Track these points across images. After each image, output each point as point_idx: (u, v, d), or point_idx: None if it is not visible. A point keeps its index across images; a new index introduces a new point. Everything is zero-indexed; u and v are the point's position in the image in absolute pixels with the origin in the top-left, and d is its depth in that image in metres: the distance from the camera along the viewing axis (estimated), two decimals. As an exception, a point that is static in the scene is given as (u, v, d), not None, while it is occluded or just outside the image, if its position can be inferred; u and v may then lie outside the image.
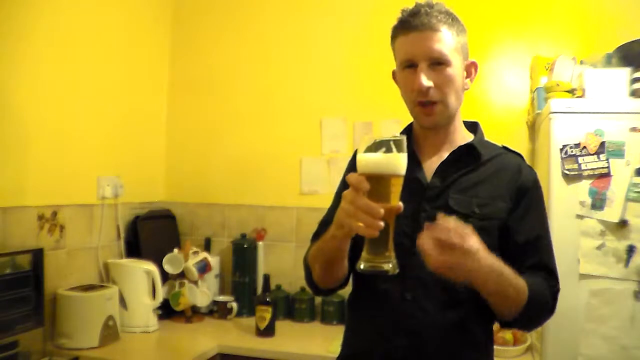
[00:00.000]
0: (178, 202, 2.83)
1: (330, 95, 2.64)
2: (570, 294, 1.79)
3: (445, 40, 1.22)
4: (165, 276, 2.38)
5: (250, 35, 2.80)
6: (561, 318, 1.80)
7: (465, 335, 1.23)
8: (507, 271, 1.10)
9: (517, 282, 1.12)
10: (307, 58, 2.68)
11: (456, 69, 1.23)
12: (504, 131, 2.45)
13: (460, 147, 1.29)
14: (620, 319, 1.75)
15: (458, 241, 1.00)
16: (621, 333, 1.74)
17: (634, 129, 1.77)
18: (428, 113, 1.25)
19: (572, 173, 1.81)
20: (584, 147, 1.80)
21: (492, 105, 2.49)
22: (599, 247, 1.77)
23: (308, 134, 2.65)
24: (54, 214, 2.11)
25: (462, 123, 1.35)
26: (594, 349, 1.76)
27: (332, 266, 1.22)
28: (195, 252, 2.49)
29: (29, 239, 1.98)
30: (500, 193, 1.24)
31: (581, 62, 2.14)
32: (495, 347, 2.06)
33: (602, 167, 1.78)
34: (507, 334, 2.12)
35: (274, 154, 2.71)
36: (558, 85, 2.02)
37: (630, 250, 1.75)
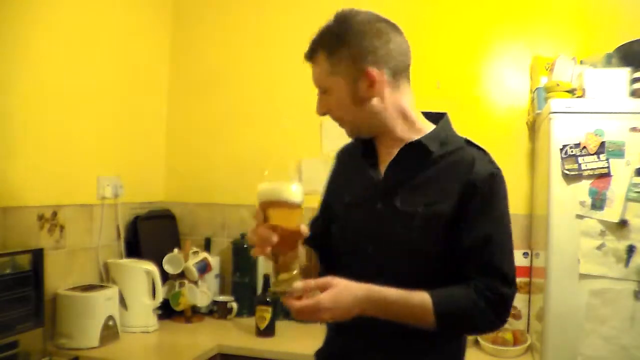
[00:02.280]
0: (178, 202, 2.83)
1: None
2: (570, 294, 1.79)
3: (321, 68, 1.24)
4: (165, 276, 2.38)
5: (250, 35, 2.80)
6: (561, 318, 1.80)
7: (423, 336, 1.19)
8: (393, 305, 1.13)
9: (420, 306, 1.13)
10: (307, 58, 2.68)
11: (337, 92, 1.22)
12: (504, 131, 2.46)
13: (407, 144, 1.24)
14: (620, 319, 1.75)
15: (311, 318, 1.09)
16: (621, 333, 1.74)
17: (634, 129, 1.77)
18: (347, 133, 1.31)
19: (572, 173, 1.81)
20: (584, 147, 1.80)
21: (492, 105, 2.49)
22: (599, 247, 1.77)
23: (308, 134, 2.65)
24: (54, 214, 2.11)
25: (418, 117, 1.29)
26: (594, 349, 1.77)
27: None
28: (195, 252, 2.49)
29: (29, 239, 1.98)
30: (448, 191, 1.20)
31: (581, 62, 2.14)
32: (495, 347, 2.07)
33: (602, 167, 1.78)
34: (507, 334, 2.12)
35: (274, 154, 2.71)
36: (558, 85, 2.03)
37: (630, 250, 1.75)
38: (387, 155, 1.28)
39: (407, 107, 1.26)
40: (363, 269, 1.22)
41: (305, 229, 1.13)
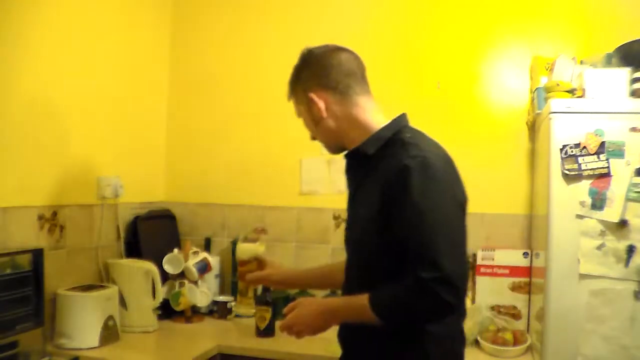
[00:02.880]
0: (178, 202, 2.83)
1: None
2: (570, 294, 1.79)
3: (293, 101, 1.51)
4: (165, 276, 2.38)
5: (250, 35, 2.80)
6: (561, 318, 1.80)
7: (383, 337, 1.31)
8: (345, 313, 1.34)
9: (358, 315, 1.28)
10: (307, 58, 2.67)
11: (304, 118, 1.49)
12: (504, 131, 2.46)
13: (349, 152, 1.44)
14: (620, 319, 1.74)
15: (290, 334, 1.40)
16: (621, 333, 1.74)
17: (634, 129, 1.77)
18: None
19: (572, 173, 1.81)
20: (584, 147, 1.80)
21: (492, 105, 2.49)
22: (599, 247, 1.77)
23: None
24: (54, 214, 2.11)
25: (377, 122, 1.41)
26: (594, 349, 1.76)
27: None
28: (195, 252, 2.49)
29: (29, 238, 1.98)
30: (377, 191, 1.29)
31: (581, 62, 2.14)
32: (495, 347, 2.07)
33: (602, 167, 1.78)
34: (507, 334, 2.12)
35: (274, 154, 2.71)
36: (558, 85, 2.02)
37: (630, 250, 1.75)
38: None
39: (360, 117, 1.41)
40: (347, 270, 1.47)
41: (250, 276, 1.75)
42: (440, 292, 1.16)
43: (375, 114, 1.42)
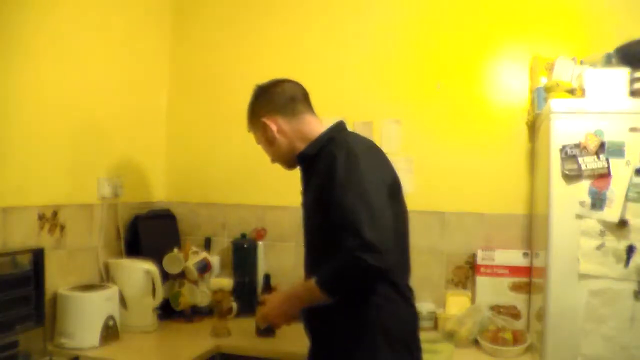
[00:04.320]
0: (178, 201, 2.84)
1: (330, 95, 2.64)
2: (570, 294, 1.79)
3: (254, 134, 1.76)
4: (165, 276, 2.38)
5: (250, 35, 2.80)
6: (561, 318, 1.80)
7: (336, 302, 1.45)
8: (301, 295, 1.52)
9: (310, 295, 1.45)
10: (306, 58, 2.67)
11: (260, 142, 1.73)
12: (504, 131, 2.46)
13: (297, 157, 1.65)
14: (620, 319, 1.74)
15: (266, 322, 1.67)
16: (621, 333, 1.74)
17: (634, 129, 1.77)
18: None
19: (572, 173, 1.81)
20: (584, 147, 1.80)
21: (492, 105, 2.49)
22: (598, 247, 1.77)
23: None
24: (54, 213, 2.11)
25: (310, 140, 1.63)
26: (594, 349, 1.76)
27: None
28: (196, 252, 2.49)
29: (30, 238, 1.99)
30: (317, 182, 1.54)
31: (581, 62, 2.14)
32: (495, 347, 2.07)
33: (602, 167, 1.78)
34: (507, 334, 2.12)
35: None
36: (558, 85, 2.02)
37: (630, 250, 1.75)
38: None
39: (306, 130, 1.65)
40: (305, 259, 1.66)
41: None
42: (365, 257, 1.32)
43: (318, 126, 1.66)
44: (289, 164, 1.71)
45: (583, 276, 1.78)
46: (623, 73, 1.90)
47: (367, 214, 1.35)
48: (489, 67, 2.50)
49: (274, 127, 1.66)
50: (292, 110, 1.66)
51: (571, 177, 1.81)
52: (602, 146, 1.78)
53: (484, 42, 2.49)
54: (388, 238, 1.36)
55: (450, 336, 2.20)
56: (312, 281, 1.43)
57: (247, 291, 2.55)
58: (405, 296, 1.57)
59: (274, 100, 1.68)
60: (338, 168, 1.43)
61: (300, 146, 1.65)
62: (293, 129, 1.66)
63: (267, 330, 2.20)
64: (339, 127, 1.66)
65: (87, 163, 2.30)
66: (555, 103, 1.86)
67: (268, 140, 1.68)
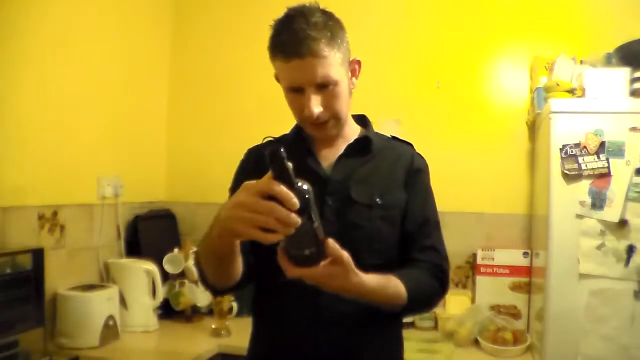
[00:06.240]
0: (178, 201, 2.84)
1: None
2: (570, 294, 1.79)
3: (328, 62, 1.14)
4: (165, 276, 2.38)
5: (250, 34, 2.79)
6: (561, 318, 1.80)
7: (376, 318, 1.21)
8: (383, 289, 1.10)
9: (395, 292, 1.13)
10: (307, 58, 2.67)
11: (342, 83, 1.19)
12: (504, 131, 2.46)
13: (357, 139, 1.30)
14: (620, 319, 1.75)
15: (326, 283, 0.98)
16: (621, 333, 1.74)
17: (634, 129, 1.77)
18: (320, 129, 1.25)
19: (572, 173, 1.81)
20: (584, 147, 1.80)
21: (492, 105, 2.49)
22: (598, 247, 1.77)
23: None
24: (54, 213, 2.11)
25: (351, 116, 1.35)
26: (594, 349, 1.77)
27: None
28: (196, 252, 2.49)
29: (30, 238, 1.98)
30: (397, 182, 1.29)
31: (581, 62, 2.14)
32: (495, 346, 2.07)
33: (602, 167, 1.78)
34: (507, 334, 2.12)
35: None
36: (558, 85, 2.02)
37: (630, 250, 1.75)
38: (327, 148, 1.30)
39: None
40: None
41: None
42: (449, 281, 1.30)
43: None
44: (335, 130, 1.26)
45: (583, 276, 1.78)
46: (623, 73, 1.90)
47: (442, 237, 1.32)
48: (489, 67, 2.50)
49: (356, 79, 1.26)
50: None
51: (571, 176, 1.81)
52: (602, 146, 1.78)
53: (484, 42, 2.50)
54: None
55: (450, 336, 2.20)
56: (397, 285, 1.14)
57: (247, 291, 2.54)
58: None
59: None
60: (429, 183, 1.36)
61: (346, 119, 1.29)
62: (349, 103, 1.28)
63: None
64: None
65: (87, 163, 2.29)
66: (556, 103, 1.86)
67: (349, 87, 1.23)
